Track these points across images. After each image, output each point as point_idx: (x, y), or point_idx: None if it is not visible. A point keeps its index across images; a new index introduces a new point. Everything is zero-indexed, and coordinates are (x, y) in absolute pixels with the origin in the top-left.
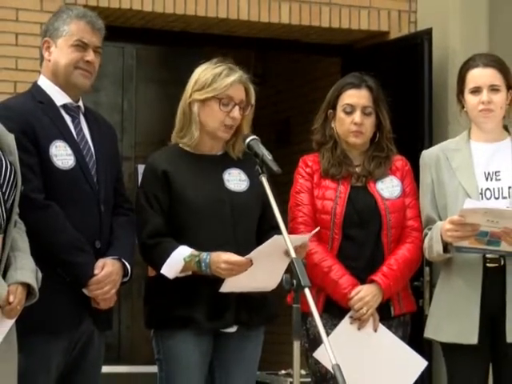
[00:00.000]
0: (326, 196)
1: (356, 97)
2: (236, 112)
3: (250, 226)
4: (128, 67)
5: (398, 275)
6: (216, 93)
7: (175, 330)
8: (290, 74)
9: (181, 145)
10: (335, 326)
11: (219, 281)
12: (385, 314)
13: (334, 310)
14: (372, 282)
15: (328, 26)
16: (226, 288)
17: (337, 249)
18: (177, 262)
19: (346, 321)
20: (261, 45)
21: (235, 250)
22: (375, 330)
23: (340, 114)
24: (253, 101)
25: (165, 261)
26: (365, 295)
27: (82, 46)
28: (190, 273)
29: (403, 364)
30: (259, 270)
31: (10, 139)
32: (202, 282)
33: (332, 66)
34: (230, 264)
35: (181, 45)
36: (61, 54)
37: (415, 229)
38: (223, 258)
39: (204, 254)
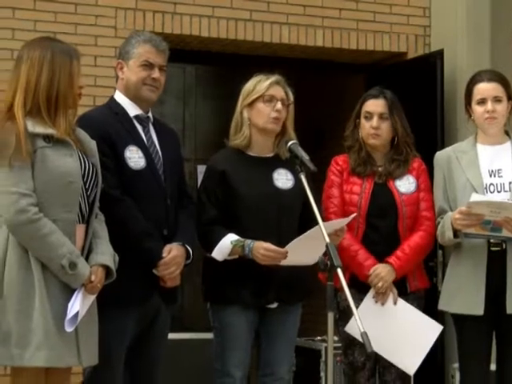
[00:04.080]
0: (353, 191)
1: (374, 105)
2: (279, 105)
3: (292, 218)
4: (188, 84)
5: (410, 258)
6: (259, 94)
7: (227, 304)
8: (323, 89)
9: (237, 147)
10: (361, 299)
11: (263, 264)
12: (402, 290)
13: (359, 286)
14: (387, 262)
15: (355, 48)
16: (282, 262)
17: (361, 235)
18: (225, 246)
19: (368, 297)
20: (299, 64)
21: (277, 239)
22: (395, 303)
23: (362, 120)
24: (292, 99)
25: (215, 245)
26: (380, 272)
27: (148, 65)
28: (236, 257)
29: (422, 329)
30: (304, 250)
31: (93, 144)
32: (248, 265)
33: (358, 82)
34: (268, 251)
35: (232, 65)
36: (131, 72)
37: (428, 218)
38: (264, 246)
39: (248, 241)
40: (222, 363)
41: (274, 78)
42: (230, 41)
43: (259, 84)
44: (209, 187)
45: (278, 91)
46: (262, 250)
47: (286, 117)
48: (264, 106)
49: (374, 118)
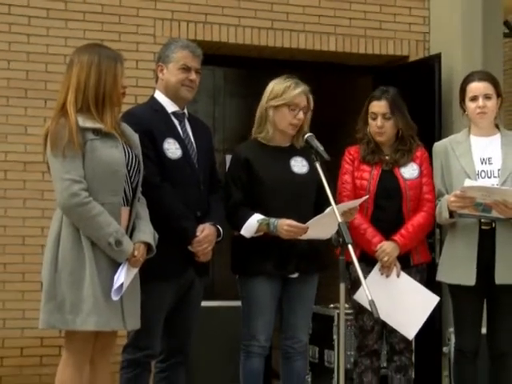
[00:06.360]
0: (363, 177)
1: (377, 106)
2: (300, 114)
3: (309, 200)
4: (218, 85)
5: (413, 236)
6: (286, 101)
7: (252, 275)
8: (336, 89)
9: (258, 138)
10: (369, 271)
11: (285, 240)
12: (406, 263)
13: (368, 260)
14: (392, 240)
15: (364, 53)
16: (302, 236)
17: (370, 215)
18: (252, 224)
19: (375, 271)
20: (314, 67)
21: (297, 216)
22: (398, 276)
23: (369, 119)
24: (312, 107)
25: (243, 224)
26: (386, 248)
27: (186, 68)
28: (261, 233)
29: (421, 300)
30: (320, 227)
31: (136, 138)
32: (271, 241)
33: (366, 82)
34: (291, 227)
35: (256, 68)
36: (171, 74)
37: (429, 200)
38: (287, 222)
39: (273, 219)
40: (249, 328)
41: (301, 88)
42: (254, 46)
43: (288, 91)
44: (234, 173)
45: (302, 100)
46: (286, 225)
47: (304, 120)
48: (288, 112)
49: (379, 118)
